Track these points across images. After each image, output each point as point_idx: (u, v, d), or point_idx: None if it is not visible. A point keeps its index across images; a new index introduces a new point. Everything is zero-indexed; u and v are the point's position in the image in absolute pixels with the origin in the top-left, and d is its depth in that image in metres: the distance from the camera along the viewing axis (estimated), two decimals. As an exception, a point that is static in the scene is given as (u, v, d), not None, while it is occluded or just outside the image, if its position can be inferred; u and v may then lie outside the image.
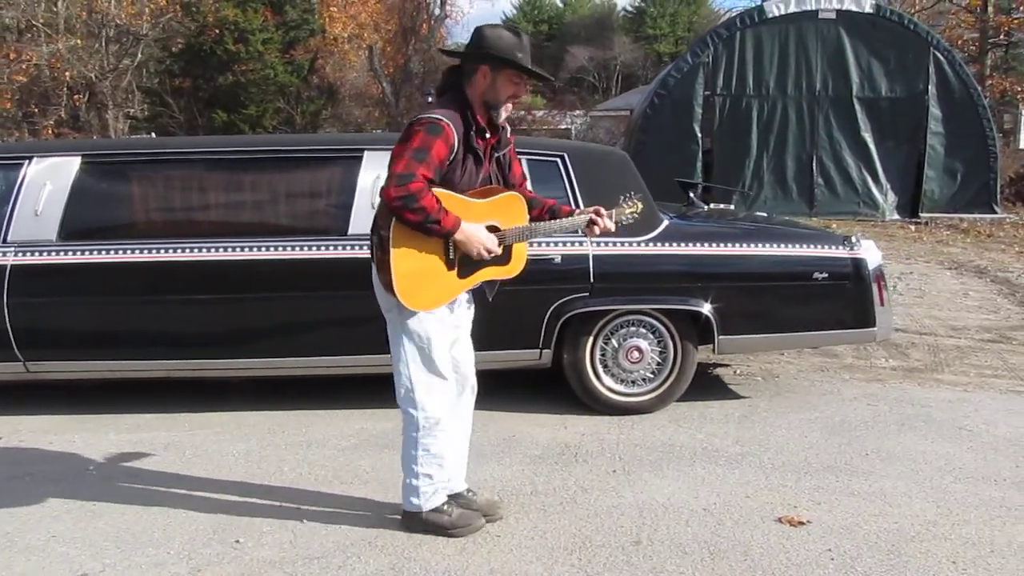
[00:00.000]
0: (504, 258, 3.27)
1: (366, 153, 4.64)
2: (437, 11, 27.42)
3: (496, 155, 3.32)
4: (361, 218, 4.50)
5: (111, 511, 3.57)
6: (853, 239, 4.88)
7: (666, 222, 4.75)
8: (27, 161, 4.68)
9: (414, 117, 3.12)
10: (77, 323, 4.57)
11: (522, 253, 3.36)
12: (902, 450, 4.29)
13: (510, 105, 3.24)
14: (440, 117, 3.04)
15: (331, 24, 27.63)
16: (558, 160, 4.72)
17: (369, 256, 3.24)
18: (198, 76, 23.67)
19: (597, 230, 3.39)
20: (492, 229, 3.19)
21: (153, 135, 21.22)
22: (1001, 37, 23.37)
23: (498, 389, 5.04)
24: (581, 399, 4.74)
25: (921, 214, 15.09)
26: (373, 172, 4.54)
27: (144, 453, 4.24)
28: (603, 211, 3.40)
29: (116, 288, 4.54)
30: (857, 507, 3.61)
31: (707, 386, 5.24)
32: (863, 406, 4.99)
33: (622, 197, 3.51)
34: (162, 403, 4.94)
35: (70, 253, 4.52)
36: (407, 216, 2.94)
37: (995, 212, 15.21)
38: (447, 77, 3.27)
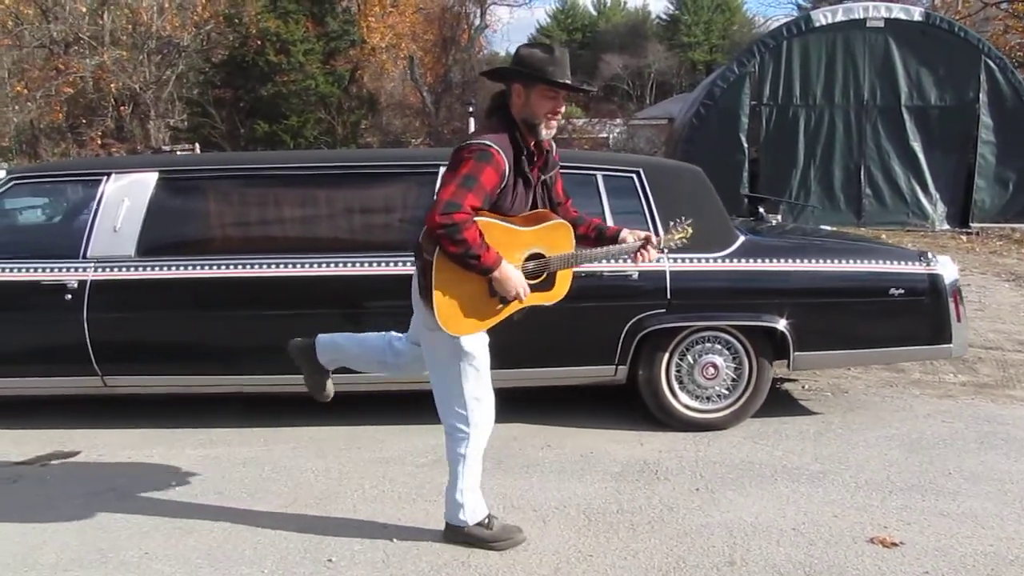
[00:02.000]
0: (548, 284, 3.27)
1: (442, 169, 4.63)
2: (477, 21, 27.53)
3: (543, 177, 3.31)
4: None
5: (199, 528, 3.60)
6: (929, 255, 4.83)
7: (742, 238, 4.72)
8: (105, 177, 4.75)
9: (463, 142, 3.12)
10: (155, 338, 4.61)
11: (566, 280, 3.36)
12: (985, 469, 4.22)
13: (554, 124, 3.22)
14: (491, 144, 3.04)
15: (369, 34, 27.82)
16: (634, 176, 4.70)
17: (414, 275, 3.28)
18: (239, 87, 23.91)
19: (644, 258, 3.41)
20: (537, 256, 3.21)
21: (197, 146, 21.46)
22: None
23: (569, 405, 5.07)
24: (655, 415, 4.72)
25: (972, 224, 14.88)
26: (448, 188, 4.56)
27: (223, 469, 4.27)
28: (653, 239, 3.42)
29: (194, 303, 4.58)
30: (949, 528, 3.56)
31: (778, 402, 5.18)
32: (938, 423, 4.92)
33: (672, 222, 3.55)
34: (234, 418, 4.97)
35: (148, 269, 4.57)
36: (448, 247, 2.94)
37: (1048, 222, 14.98)
38: (494, 100, 3.29)
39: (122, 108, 24.24)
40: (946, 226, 15.02)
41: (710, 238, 4.61)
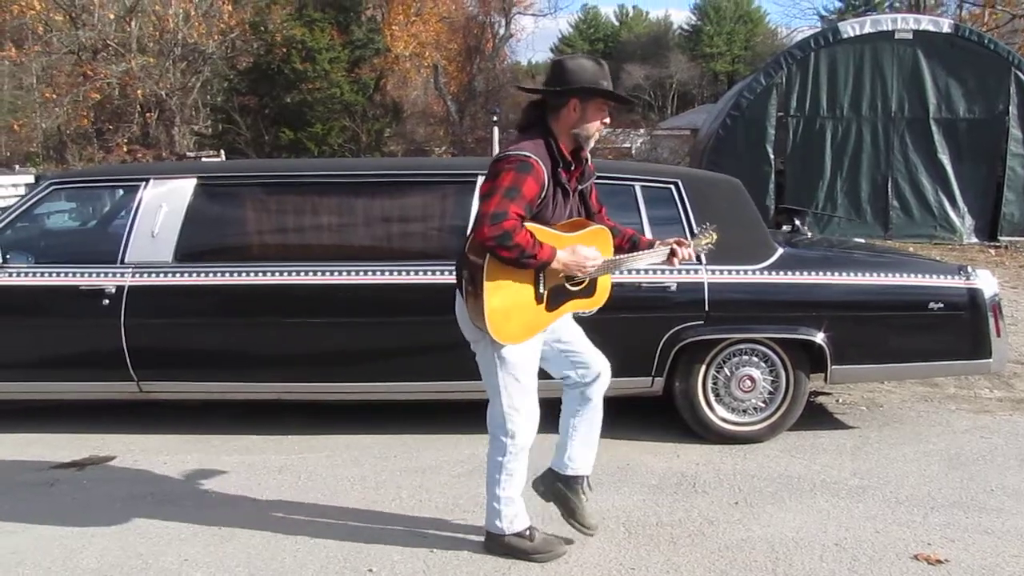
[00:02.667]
0: (589, 290, 3.28)
1: (480, 178, 4.64)
2: (502, 31, 27.58)
3: (580, 187, 3.32)
4: (475, 243, 4.51)
5: (238, 535, 3.59)
6: (969, 269, 4.79)
7: (780, 251, 4.69)
8: (143, 183, 4.77)
9: (501, 154, 3.13)
10: (192, 344, 4.63)
11: (606, 286, 3.37)
12: (1028, 487, 4.18)
13: (597, 135, 3.25)
14: (529, 155, 3.04)
15: (393, 43, 27.93)
16: (672, 187, 4.68)
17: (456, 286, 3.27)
18: (264, 94, 24.04)
19: (677, 261, 3.39)
20: None
21: (222, 152, 21.59)
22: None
23: (605, 415, 5.03)
24: (692, 427, 4.69)
25: (1000, 237, 14.74)
26: (487, 197, 4.57)
27: (259, 476, 4.27)
28: (684, 242, 3.41)
29: (231, 310, 4.59)
30: (994, 546, 3.52)
31: (813, 415, 5.13)
32: (977, 439, 4.87)
33: (699, 228, 3.55)
34: (268, 425, 4.98)
35: (186, 275, 4.59)
36: (503, 254, 2.94)
37: (1077, 236, 14.82)
38: (529, 113, 3.28)
39: (148, 114, 24.41)
40: (974, 239, 14.88)
41: (748, 250, 4.59)
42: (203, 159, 19.53)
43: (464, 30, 28.13)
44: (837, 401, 5.59)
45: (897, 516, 3.81)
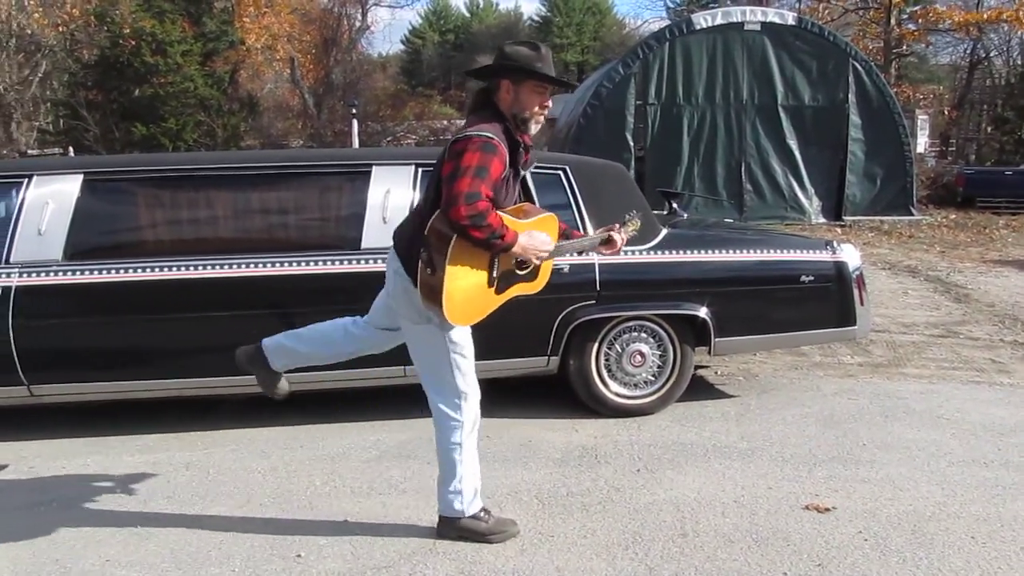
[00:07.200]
0: (532, 275, 3.38)
1: (374, 168, 4.72)
2: (358, 23, 27.32)
3: (523, 173, 3.42)
4: (373, 232, 4.59)
5: (157, 533, 3.56)
6: (835, 243, 5.18)
7: (664, 231, 4.95)
8: (27, 180, 4.62)
9: (462, 134, 3.11)
10: (84, 344, 4.52)
11: (547, 269, 3.48)
12: (894, 439, 4.57)
13: (541, 119, 3.31)
14: (491, 136, 3.06)
15: (244, 35, 27.26)
16: (560, 173, 4.87)
17: (403, 271, 3.26)
18: (112, 88, 23.05)
19: (615, 247, 3.55)
20: None
21: (71, 150, 20.68)
22: (904, 48, 24.51)
23: (499, 397, 5.19)
24: (586, 403, 4.90)
25: (844, 217, 15.73)
26: (383, 186, 4.65)
27: (166, 474, 4.22)
28: (616, 228, 3.57)
29: (124, 307, 4.50)
30: (872, 493, 3.87)
31: (696, 387, 5.41)
32: (845, 400, 5.28)
33: (626, 216, 3.70)
34: (167, 423, 4.92)
35: (76, 273, 4.48)
36: (474, 234, 2.97)
37: (912, 214, 15.95)
38: (478, 96, 3.33)
39: (-17, 110, 23.10)
40: (821, 219, 15.83)
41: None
42: (47, 157, 18.65)
43: (319, 22, 27.73)
44: (716, 373, 5.93)
45: (785, 473, 4.12)
